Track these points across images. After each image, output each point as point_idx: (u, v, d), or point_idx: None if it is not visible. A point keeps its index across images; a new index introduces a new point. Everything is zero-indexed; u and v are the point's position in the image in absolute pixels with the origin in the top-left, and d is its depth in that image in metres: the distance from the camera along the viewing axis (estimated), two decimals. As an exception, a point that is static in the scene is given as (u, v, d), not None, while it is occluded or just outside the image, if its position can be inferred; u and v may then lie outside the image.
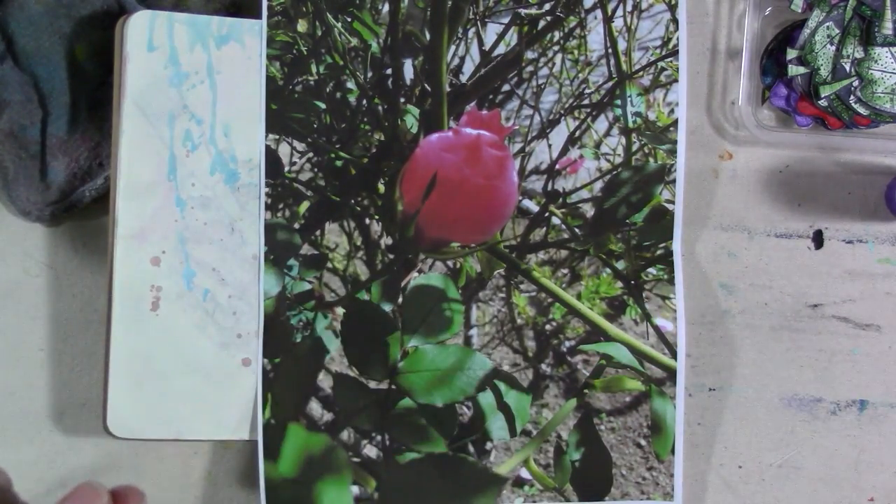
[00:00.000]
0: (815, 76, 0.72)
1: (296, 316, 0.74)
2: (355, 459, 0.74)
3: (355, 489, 0.74)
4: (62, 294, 0.75)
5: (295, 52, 0.73)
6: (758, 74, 0.76)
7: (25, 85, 0.70)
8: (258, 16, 0.73)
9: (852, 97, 0.72)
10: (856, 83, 0.72)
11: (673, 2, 0.75)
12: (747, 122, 0.75)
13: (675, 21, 0.75)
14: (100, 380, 0.74)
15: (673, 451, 0.76)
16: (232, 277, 0.73)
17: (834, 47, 0.72)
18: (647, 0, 0.75)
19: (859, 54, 0.72)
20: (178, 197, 0.73)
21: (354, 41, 0.73)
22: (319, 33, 0.73)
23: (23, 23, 0.70)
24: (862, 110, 0.73)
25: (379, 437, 0.74)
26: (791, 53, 0.73)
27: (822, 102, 0.73)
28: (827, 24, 0.72)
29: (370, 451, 0.74)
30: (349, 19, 0.73)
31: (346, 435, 0.74)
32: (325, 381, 0.74)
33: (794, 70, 0.73)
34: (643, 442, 0.76)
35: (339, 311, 0.74)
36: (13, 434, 0.74)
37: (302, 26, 0.73)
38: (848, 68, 0.72)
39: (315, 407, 0.74)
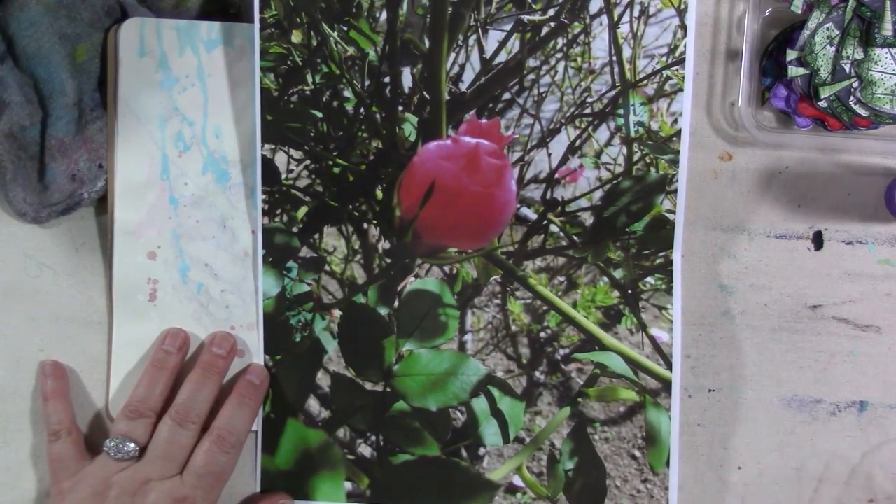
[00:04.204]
0: (815, 77, 0.72)
1: (295, 316, 0.75)
2: (350, 457, 0.75)
3: (348, 485, 0.75)
4: (62, 294, 0.75)
5: (289, 63, 0.73)
6: (758, 76, 0.76)
7: (25, 86, 0.70)
8: (251, 21, 0.72)
9: (852, 98, 0.72)
10: (855, 84, 0.72)
11: (682, 6, 0.73)
12: (747, 123, 0.75)
13: (683, 27, 0.73)
14: (100, 380, 0.75)
15: (668, 464, 0.76)
16: (224, 273, 0.75)
17: (834, 48, 0.71)
18: (655, 5, 0.73)
19: (859, 55, 0.71)
20: (172, 195, 0.74)
21: (351, 50, 0.73)
22: (315, 43, 0.73)
23: (23, 24, 0.70)
24: (862, 111, 0.72)
25: (373, 438, 0.75)
26: (791, 54, 0.72)
27: (822, 103, 0.72)
28: (827, 25, 0.71)
29: (365, 450, 0.75)
30: (345, 28, 0.73)
31: (342, 433, 0.75)
32: (323, 380, 0.75)
33: (794, 71, 0.72)
34: (638, 453, 0.76)
35: (337, 313, 0.75)
36: (14, 434, 0.75)
37: (296, 37, 0.72)
38: (848, 69, 0.71)
39: (313, 404, 0.75)
